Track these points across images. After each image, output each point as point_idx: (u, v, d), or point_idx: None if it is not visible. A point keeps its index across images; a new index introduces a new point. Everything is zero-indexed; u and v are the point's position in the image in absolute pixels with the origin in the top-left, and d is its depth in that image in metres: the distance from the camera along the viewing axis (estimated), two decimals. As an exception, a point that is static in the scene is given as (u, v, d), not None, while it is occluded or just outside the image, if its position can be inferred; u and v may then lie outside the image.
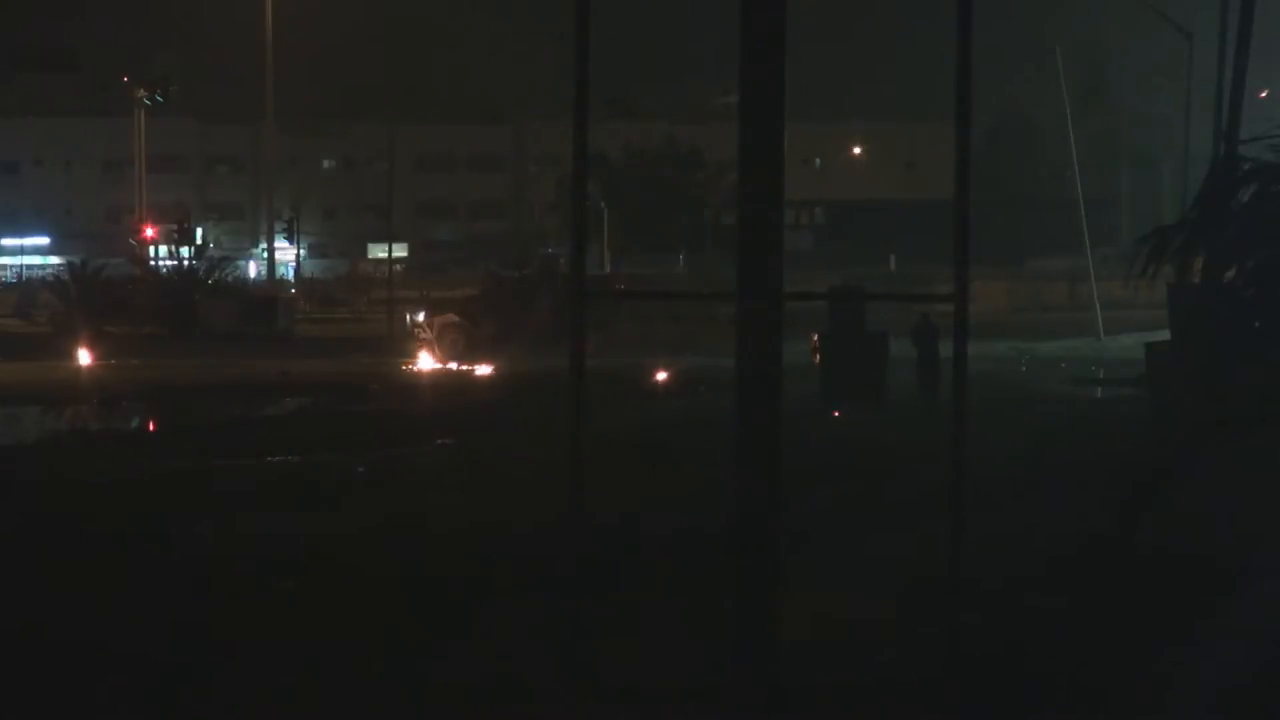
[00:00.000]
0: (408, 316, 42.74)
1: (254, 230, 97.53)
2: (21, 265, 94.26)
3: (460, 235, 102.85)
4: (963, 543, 7.88)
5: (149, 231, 63.41)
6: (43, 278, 66.52)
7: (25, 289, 58.74)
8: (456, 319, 41.38)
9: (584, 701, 8.09)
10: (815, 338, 25.61)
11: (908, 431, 20.04)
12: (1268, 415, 9.90)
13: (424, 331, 41.07)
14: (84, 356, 37.54)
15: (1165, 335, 17.34)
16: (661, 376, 31.09)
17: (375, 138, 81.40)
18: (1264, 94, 47.14)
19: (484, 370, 34.48)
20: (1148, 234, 11.53)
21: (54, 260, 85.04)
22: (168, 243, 59.01)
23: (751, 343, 7.42)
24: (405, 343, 40.93)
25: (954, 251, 7.74)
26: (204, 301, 48.98)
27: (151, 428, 25.97)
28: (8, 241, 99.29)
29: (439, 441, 20.95)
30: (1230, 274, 10.81)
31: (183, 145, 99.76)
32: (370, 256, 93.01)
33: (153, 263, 57.90)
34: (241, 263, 75.06)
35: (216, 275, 53.01)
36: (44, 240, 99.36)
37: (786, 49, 7.38)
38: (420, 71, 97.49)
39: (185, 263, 54.93)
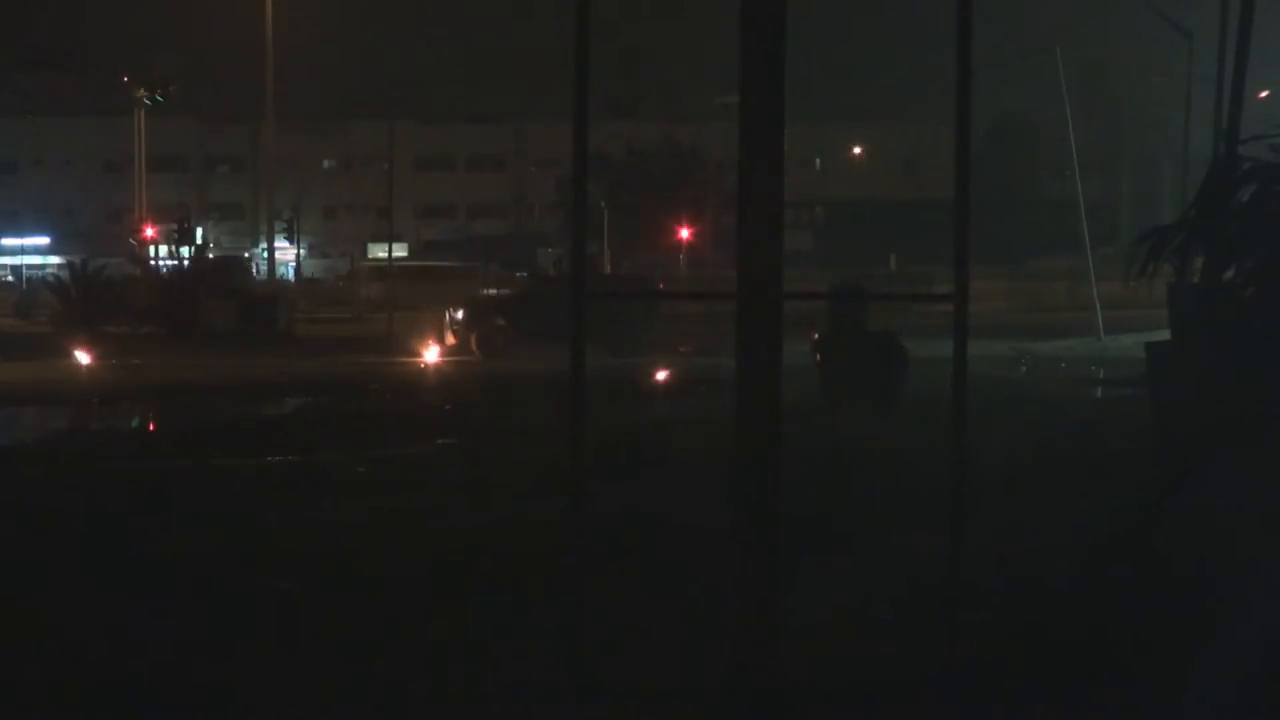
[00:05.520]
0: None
1: (254, 230, 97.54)
2: (22, 265, 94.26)
3: (460, 235, 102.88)
4: (964, 543, 7.89)
5: (149, 231, 63.40)
6: (43, 278, 66.55)
7: (25, 289, 58.79)
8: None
9: (581, 700, 8.10)
10: (815, 337, 25.40)
11: (913, 432, 20.01)
12: (1269, 415, 9.90)
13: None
14: (84, 356, 37.55)
15: (1165, 335, 17.32)
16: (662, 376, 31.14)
17: (375, 137, 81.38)
18: (1264, 94, 47.12)
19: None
20: (1147, 234, 11.52)
21: (54, 260, 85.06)
22: (168, 243, 59.02)
23: (751, 341, 7.43)
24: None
25: (954, 251, 7.75)
26: (204, 301, 49.01)
27: (151, 427, 25.98)
28: (8, 241, 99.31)
29: (455, 440, 21.01)
30: (1230, 273, 10.80)
31: (183, 145, 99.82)
32: (370, 256, 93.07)
33: (153, 262, 57.95)
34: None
35: (227, 271, 52.94)
36: (44, 240, 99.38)
37: (787, 48, 7.39)
38: (420, 71, 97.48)
39: (185, 262, 54.96)
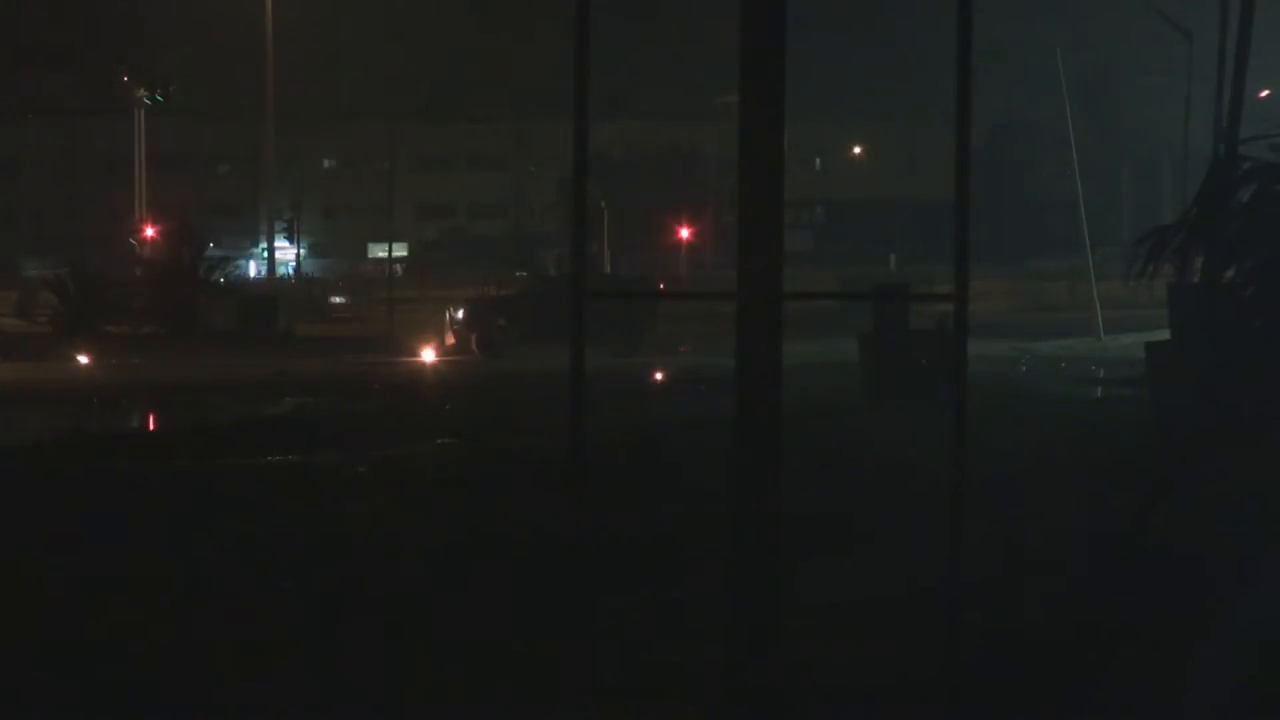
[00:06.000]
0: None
1: (254, 230, 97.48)
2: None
3: (460, 235, 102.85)
4: (963, 541, 7.87)
5: (149, 231, 63.36)
6: (43, 277, 66.46)
7: (25, 289, 58.77)
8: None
9: (581, 700, 8.09)
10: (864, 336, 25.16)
11: (934, 431, 19.82)
12: (1268, 415, 9.90)
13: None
14: (84, 356, 37.54)
15: (1165, 335, 17.33)
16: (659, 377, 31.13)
17: (375, 137, 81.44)
18: (1264, 94, 47.12)
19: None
20: (1147, 233, 11.53)
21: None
22: (168, 243, 58.93)
23: (750, 341, 7.42)
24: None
25: (954, 251, 7.74)
26: (204, 301, 49.00)
27: (152, 427, 25.98)
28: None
29: (451, 440, 21.00)
30: (1230, 273, 10.80)
31: (183, 145, 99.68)
32: (370, 256, 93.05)
33: (153, 263, 57.88)
34: (241, 262, 75.03)
35: (217, 273, 52.99)
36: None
37: (787, 48, 7.38)
38: (421, 71, 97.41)
39: (185, 262, 54.89)
